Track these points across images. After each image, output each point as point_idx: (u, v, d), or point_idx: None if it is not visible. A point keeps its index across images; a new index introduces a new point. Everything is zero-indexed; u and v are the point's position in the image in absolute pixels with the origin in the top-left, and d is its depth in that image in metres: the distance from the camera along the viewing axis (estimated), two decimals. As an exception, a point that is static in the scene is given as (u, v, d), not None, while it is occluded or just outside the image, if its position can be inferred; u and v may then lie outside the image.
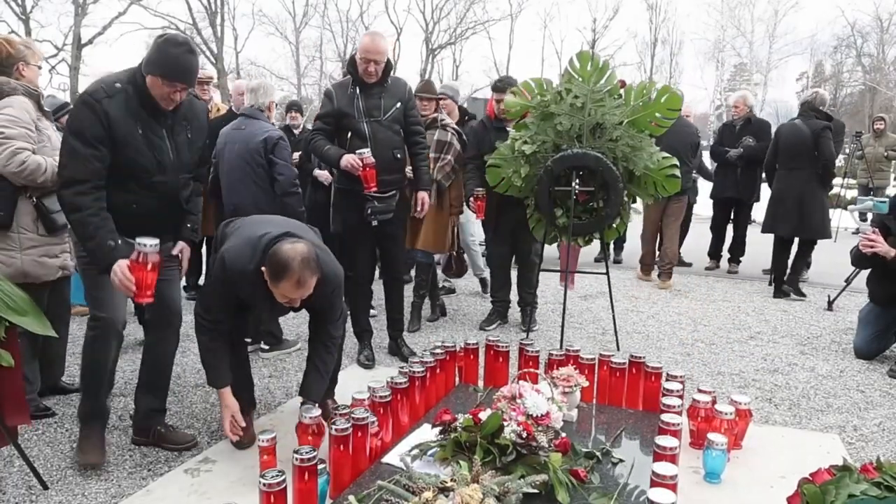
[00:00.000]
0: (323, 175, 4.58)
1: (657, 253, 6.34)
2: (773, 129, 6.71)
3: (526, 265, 4.40)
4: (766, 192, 6.71)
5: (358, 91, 3.34)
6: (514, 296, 4.66)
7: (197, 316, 2.45)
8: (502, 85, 4.09)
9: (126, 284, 2.16)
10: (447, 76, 31.72)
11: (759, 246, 6.96)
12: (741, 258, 6.69)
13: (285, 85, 30.69)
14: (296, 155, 4.79)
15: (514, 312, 4.74)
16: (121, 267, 2.16)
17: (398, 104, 3.39)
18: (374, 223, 3.43)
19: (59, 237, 2.82)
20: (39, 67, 2.96)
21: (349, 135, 3.37)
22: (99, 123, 2.19)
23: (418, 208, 3.57)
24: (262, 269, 2.24)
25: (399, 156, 3.44)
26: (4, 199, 2.64)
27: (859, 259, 3.97)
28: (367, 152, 3.21)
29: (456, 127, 4.23)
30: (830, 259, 6.24)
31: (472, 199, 4.09)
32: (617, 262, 7.09)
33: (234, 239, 2.43)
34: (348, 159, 3.22)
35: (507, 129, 4.05)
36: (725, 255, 6.78)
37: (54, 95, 6.56)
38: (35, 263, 2.73)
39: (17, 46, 2.83)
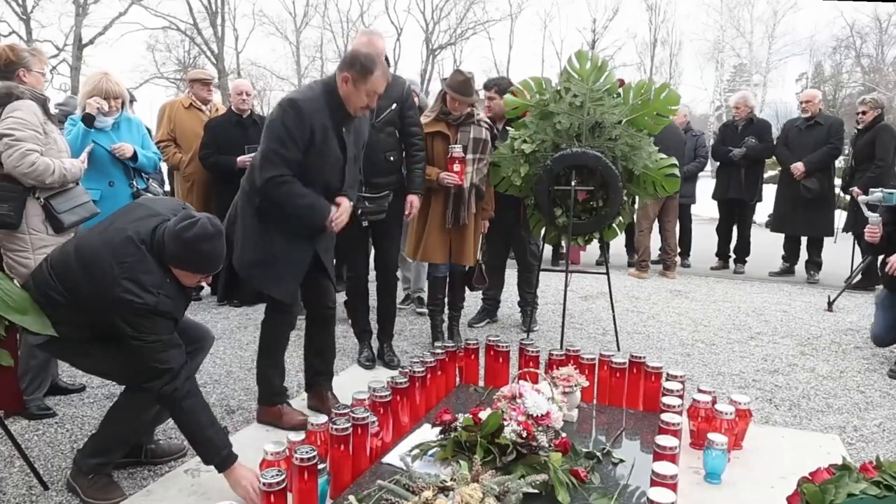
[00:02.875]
0: None
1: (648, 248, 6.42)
2: (773, 130, 6.76)
3: (524, 265, 4.41)
4: (767, 192, 6.75)
5: None
6: (515, 297, 4.67)
7: (273, 178, 2.48)
8: (489, 84, 4.32)
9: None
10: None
11: (764, 247, 6.97)
12: (747, 258, 6.70)
13: (286, 85, 30.71)
14: None
15: (515, 313, 4.75)
16: (251, 481, 2.01)
17: (394, 105, 3.29)
18: (364, 223, 3.32)
19: (66, 236, 2.86)
20: (43, 74, 2.98)
21: None
22: (172, 322, 2.07)
23: (406, 212, 3.45)
24: (346, 74, 2.50)
25: (392, 158, 3.37)
26: (14, 199, 2.69)
27: (869, 246, 3.99)
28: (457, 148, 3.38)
29: (488, 121, 3.93)
30: (831, 260, 6.24)
31: None
32: (632, 264, 7.08)
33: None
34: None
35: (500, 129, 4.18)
36: (731, 255, 6.80)
37: (75, 98, 6.55)
38: None
39: (19, 53, 2.87)
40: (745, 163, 6.29)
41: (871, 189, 4.48)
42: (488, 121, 3.89)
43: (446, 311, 4.10)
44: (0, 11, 22.78)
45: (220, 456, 2.04)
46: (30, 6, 23.49)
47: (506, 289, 4.71)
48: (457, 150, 3.59)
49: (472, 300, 4.86)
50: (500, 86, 4.26)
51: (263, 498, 1.81)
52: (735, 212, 6.63)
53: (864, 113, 5.72)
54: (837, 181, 6.14)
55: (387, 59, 3.29)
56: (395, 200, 3.40)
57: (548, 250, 6.75)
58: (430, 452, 2.12)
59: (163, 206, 2.17)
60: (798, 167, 5.94)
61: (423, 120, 3.68)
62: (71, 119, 3.57)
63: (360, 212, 3.25)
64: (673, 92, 3.60)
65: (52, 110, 2.97)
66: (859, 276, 5.56)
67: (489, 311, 4.63)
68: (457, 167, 3.59)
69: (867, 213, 4.14)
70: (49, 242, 2.79)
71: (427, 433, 2.30)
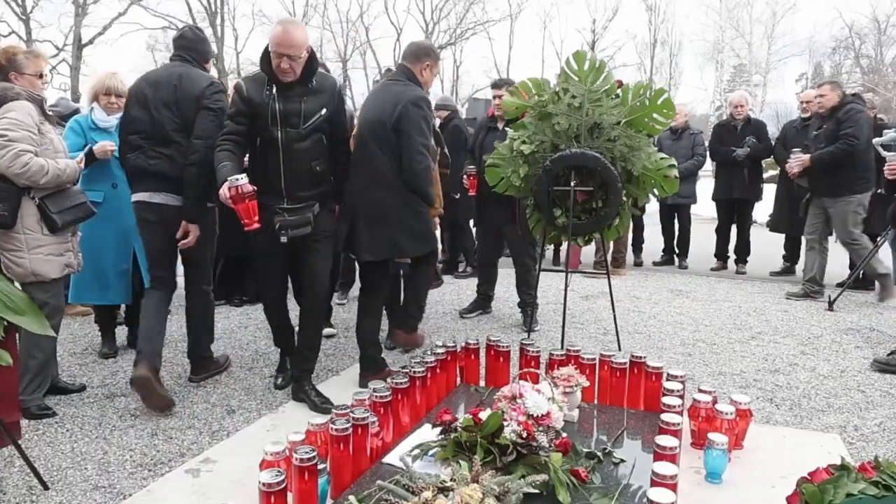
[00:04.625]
0: None
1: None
2: (773, 130, 6.76)
3: (519, 266, 4.46)
4: (767, 191, 6.74)
5: (275, 91, 2.78)
6: (514, 297, 4.67)
7: (428, 167, 3.08)
8: (498, 83, 4.50)
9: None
10: (447, 76, 31.76)
11: (765, 247, 6.96)
12: (748, 258, 6.70)
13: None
14: None
15: (515, 313, 4.75)
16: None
17: (324, 110, 2.85)
18: (284, 239, 2.83)
19: (62, 237, 2.86)
20: (40, 76, 2.96)
21: (258, 141, 2.86)
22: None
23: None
24: (428, 62, 3.12)
25: (319, 168, 2.90)
26: (9, 199, 2.70)
27: (890, 185, 4.09)
28: (242, 179, 2.56)
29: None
30: (832, 260, 6.23)
31: (464, 176, 4.51)
32: (637, 264, 7.08)
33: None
34: (224, 189, 2.57)
35: (497, 127, 4.40)
36: (731, 255, 6.79)
37: (67, 98, 6.60)
38: (42, 262, 2.80)
39: (11, 56, 2.89)
40: (748, 162, 6.29)
41: (885, 130, 4.58)
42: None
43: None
44: (0, 11, 22.81)
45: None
46: (29, 6, 23.48)
47: (506, 288, 4.71)
48: None
49: (468, 293, 4.86)
50: (510, 85, 4.30)
51: (263, 498, 1.81)
52: (735, 211, 6.62)
53: None
54: None
55: (312, 51, 2.82)
56: (322, 212, 2.97)
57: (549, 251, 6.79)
58: (430, 452, 2.12)
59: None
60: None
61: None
62: (75, 120, 3.57)
63: (278, 226, 2.81)
64: (669, 99, 3.60)
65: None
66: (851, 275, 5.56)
67: (482, 303, 4.71)
68: None
69: (885, 154, 4.28)
70: (43, 242, 2.80)
71: (427, 433, 2.30)
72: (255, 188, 2.61)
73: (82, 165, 3.12)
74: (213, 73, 4.09)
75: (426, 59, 3.12)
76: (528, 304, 4.42)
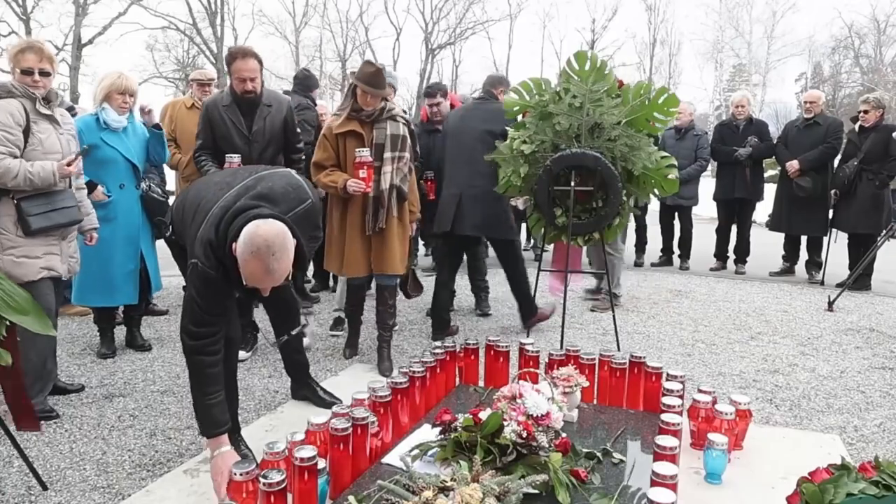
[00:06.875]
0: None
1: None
2: (773, 130, 6.76)
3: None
4: (768, 191, 6.74)
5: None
6: (511, 297, 4.66)
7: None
8: (432, 90, 4.94)
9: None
10: (447, 76, 31.78)
11: (764, 247, 6.96)
12: (747, 258, 6.70)
13: (285, 84, 30.65)
14: None
15: (513, 313, 4.73)
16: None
17: None
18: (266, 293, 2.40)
19: (42, 240, 2.77)
20: (28, 74, 2.81)
21: None
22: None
23: None
24: (501, 90, 4.16)
25: None
26: None
27: None
28: (254, 469, 1.88)
29: (406, 117, 3.53)
30: (830, 259, 6.24)
31: (422, 181, 4.59)
32: (638, 264, 7.07)
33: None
34: (219, 487, 2.07)
35: (438, 129, 4.64)
36: (731, 255, 6.79)
37: (63, 97, 6.57)
38: (13, 264, 2.69)
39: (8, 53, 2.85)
40: (750, 162, 6.30)
41: None
42: (405, 115, 3.53)
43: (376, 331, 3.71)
44: (0, 11, 22.82)
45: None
46: (30, 6, 23.53)
47: (504, 288, 4.69)
48: (364, 154, 3.22)
49: (464, 293, 4.84)
50: (442, 90, 4.91)
51: (263, 498, 1.80)
52: (735, 211, 6.62)
53: (865, 112, 5.71)
54: None
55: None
56: None
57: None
58: (430, 452, 2.12)
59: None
60: (793, 165, 5.94)
61: (332, 119, 3.38)
62: (82, 120, 3.52)
63: None
64: (672, 95, 3.59)
65: None
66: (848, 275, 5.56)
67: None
68: (363, 173, 3.21)
69: None
70: (17, 243, 2.70)
71: (427, 433, 2.30)
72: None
73: (73, 168, 2.98)
74: (213, 71, 4.14)
75: (500, 86, 4.24)
76: (481, 289, 4.90)
